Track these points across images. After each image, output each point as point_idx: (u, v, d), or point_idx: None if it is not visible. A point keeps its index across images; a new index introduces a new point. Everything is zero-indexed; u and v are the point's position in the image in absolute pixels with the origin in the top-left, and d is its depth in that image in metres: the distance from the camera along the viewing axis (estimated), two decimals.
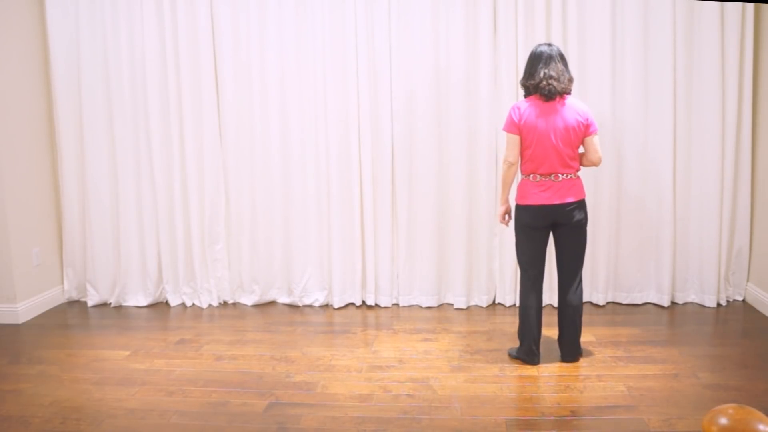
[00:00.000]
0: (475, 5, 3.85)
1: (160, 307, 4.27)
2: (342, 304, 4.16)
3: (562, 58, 2.99)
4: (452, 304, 4.12)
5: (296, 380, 3.04)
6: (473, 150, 3.97)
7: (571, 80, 2.98)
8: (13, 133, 3.95)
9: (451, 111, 3.94)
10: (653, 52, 3.81)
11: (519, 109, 2.99)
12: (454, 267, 4.07)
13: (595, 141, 3.01)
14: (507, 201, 3.17)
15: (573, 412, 2.66)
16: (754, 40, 3.81)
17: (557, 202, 2.98)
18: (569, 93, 3.00)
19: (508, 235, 3.93)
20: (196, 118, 4.08)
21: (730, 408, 1.37)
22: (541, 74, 2.93)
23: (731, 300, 4.05)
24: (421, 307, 4.12)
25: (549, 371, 3.06)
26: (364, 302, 4.19)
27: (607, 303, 4.07)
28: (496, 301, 4.14)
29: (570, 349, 3.15)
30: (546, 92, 2.93)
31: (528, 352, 3.14)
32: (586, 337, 3.41)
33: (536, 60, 2.98)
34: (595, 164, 3.04)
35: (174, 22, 4.00)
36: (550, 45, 3.01)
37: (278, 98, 4.04)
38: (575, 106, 2.99)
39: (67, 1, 4.06)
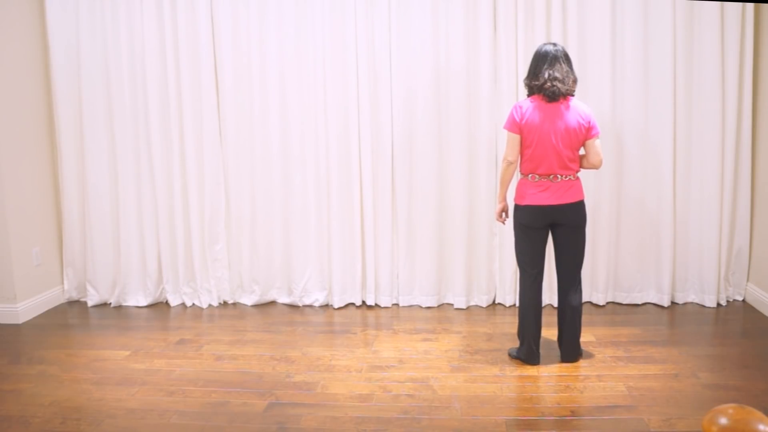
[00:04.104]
0: (475, 5, 3.85)
1: (160, 307, 4.27)
2: (342, 304, 4.16)
3: (567, 58, 2.97)
4: (452, 304, 4.12)
5: (296, 380, 3.05)
6: (473, 150, 3.97)
7: (575, 81, 2.97)
8: (14, 133, 3.96)
9: (451, 111, 3.94)
10: (653, 52, 3.81)
11: (521, 108, 2.99)
12: (454, 267, 4.07)
13: (597, 144, 3.00)
14: (504, 199, 3.17)
15: (573, 412, 2.66)
16: (754, 40, 3.81)
17: (555, 202, 2.98)
18: (573, 94, 2.99)
19: (508, 235, 3.93)
20: (196, 118, 4.08)
21: (730, 408, 1.37)
22: (546, 75, 2.92)
23: (731, 300, 4.05)
24: (421, 307, 4.12)
25: (549, 371, 3.06)
26: (364, 302, 4.19)
27: (607, 303, 4.07)
28: (496, 301, 4.14)
29: (570, 350, 3.15)
30: (549, 93, 2.92)
31: (528, 352, 3.14)
32: (586, 337, 3.41)
33: (541, 60, 2.96)
34: (595, 167, 3.03)
35: (174, 21, 4.00)
36: (555, 45, 2.99)
37: (278, 98, 4.04)
38: (578, 108, 2.98)
39: (67, 0, 4.06)
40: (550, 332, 3.41)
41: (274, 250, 4.19)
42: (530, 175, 3.01)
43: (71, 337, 3.74)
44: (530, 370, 3.08)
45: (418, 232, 4.09)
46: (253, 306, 4.23)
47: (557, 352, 3.21)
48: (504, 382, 2.97)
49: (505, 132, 3.06)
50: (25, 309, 4.02)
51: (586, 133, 2.97)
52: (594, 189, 3.89)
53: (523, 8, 3.81)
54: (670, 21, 3.76)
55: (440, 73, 3.93)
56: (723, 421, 1.35)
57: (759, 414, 1.35)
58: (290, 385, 3.00)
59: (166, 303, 4.30)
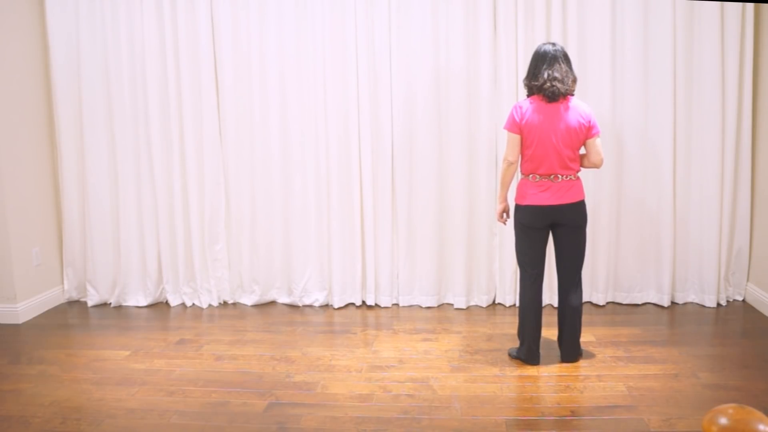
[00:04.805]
0: (475, 5, 3.85)
1: (160, 307, 4.27)
2: (342, 304, 4.16)
3: (566, 58, 2.97)
4: (452, 304, 4.12)
5: (296, 380, 3.05)
6: (473, 150, 3.97)
7: (574, 81, 2.97)
8: (13, 133, 3.96)
9: (451, 111, 3.94)
10: (653, 52, 3.81)
11: (521, 108, 2.99)
12: (454, 267, 4.07)
13: (597, 143, 3.00)
14: (505, 199, 3.17)
15: (573, 412, 2.66)
16: (754, 40, 3.81)
17: (556, 202, 2.98)
18: (573, 94, 2.98)
19: (508, 235, 3.93)
20: (196, 117, 4.09)
21: (730, 408, 1.37)
22: (545, 75, 2.92)
23: (731, 300, 4.05)
24: (421, 307, 4.12)
25: (549, 371, 3.06)
26: (364, 302, 4.19)
27: (607, 303, 4.07)
28: (496, 301, 4.14)
29: (570, 350, 3.15)
30: (549, 94, 2.92)
31: (528, 352, 3.13)
32: (586, 337, 3.41)
33: (540, 60, 2.96)
34: (596, 166, 3.03)
35: (174, 21, 4.00)
36: (554, 45, 2.99)
37: (278, 98, 4.04)
38: (578, 107, 2.97)
39: (67, 0, 4.06)
40: (550, 332, 3.41)
41: (274, 250, 4.19)
42: (531, 175, 3.01)
43: (71, 337, 3.74)
44: (530, 370, 3.08)
45: (418, 232, 4.09)
46: (253, 306, 4.23)
47: (557, 352, 3.21)
48: (504, 382, 2.97)
49: (505, 132, 3.06)
50: (25, 309, 4.02)
51: (587, 132, 2.97)
52: (594, 189, 3.89)
53: (523, 8, 3.81)
54: (670, 21, 3.76)
55: (440, 74, 3.93)
56: (723, 421, 1.35)
57: (759, 414, 1.35)
58: (290, 385, 3.00)
59: (166, 303, 4.30)
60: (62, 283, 4.41)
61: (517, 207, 3.08)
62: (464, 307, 4.08)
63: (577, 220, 3.03)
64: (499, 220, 3.23)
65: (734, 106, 3.82)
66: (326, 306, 4.19)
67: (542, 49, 2.98)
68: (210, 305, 4.24)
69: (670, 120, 3.84)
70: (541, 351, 3.19)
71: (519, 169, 3.11)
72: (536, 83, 2.95)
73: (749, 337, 3.48)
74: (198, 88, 4.05)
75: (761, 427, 1.32)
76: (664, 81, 3.81)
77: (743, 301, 4.05)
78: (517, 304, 3.56)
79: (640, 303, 4.06)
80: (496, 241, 4.05)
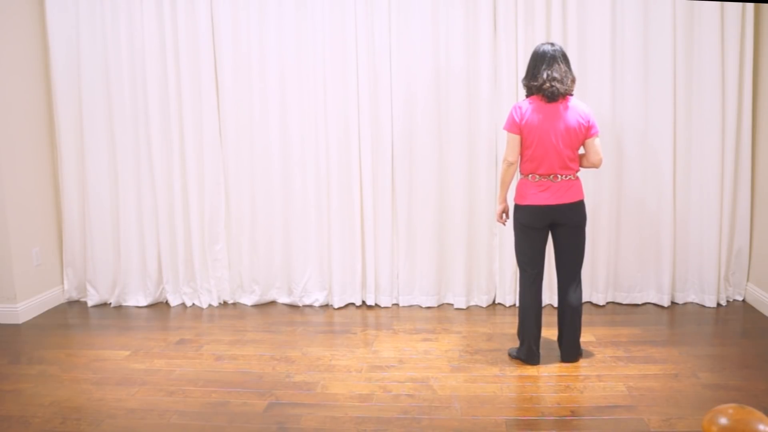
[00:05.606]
0: (475, 5, 3.85)
1: (160, 307, 4.27)
2: (342, 304, 4.16)
3: (565, 58, 2.97)
4: (452, 304, 4.12)
5: (296, 380, 3.05)
6: (473, 150, 3.98)
7: (573, 81, 2.97)
8: (13, 133, 3.96)
9: (451, 111, 3.95)
10: (653, 52, 3.81)
11: (520, 108, 2.99)
12: (454, 267, 4.07)
13: (596, 143, 3.00)
14: (505, 200, 3.17)
15: (573, 412, 2.66)
16: (754, 40, 3.81)
17: (555, 202, 2.98)
18: (572, 94, 2.99)
19: (507, 235, 3.93)
20: (196, 118, 4.09)
21: (730, 408, 1.37)
22: (544, 76, 2.92)
23: (731, 300, 4.05)
24: (421, 307, 4.12)
25: (549, 371, 3.06)
26: (364, 302, 4.19)
27: (607, 303, 4.07)
28: (496, 301, 4.14)
29: (570, 350, 3.15)
30: (549, 94, 2.92)
31: (528, 352, 3.14)
32: (586, 337, 3.41)
33: (539, 60, 2.96)
34: (595, 166, 3.03)
35: (174, 21, 4.00)
36: (553, 45, 2.99)
37: (278, 98, 4.04)
38: (577, 107, 2.98)
39: (67, 0, 4.06)
40: (550, 332, 3.41)
41: (274, 250, 4.19)
42: (530, 176, 3.01)
43: (71, 337, 3.74)
44: (530, 370, 3.08)
45: (418, 232, 4.09)
46: (253, 306, 4.23)
47: (557, 352, 3.21)
48: (504, 382, 2.97)
49: (505, 133, 3.06)
50: (25, 309, 4.02)
51: (586, 132, 2.97)
52: (594, 189, 3.89)
53: (523, 8, 3.81)
54: (670, 21, 3.76)
55: (440, 74, 3.93)
56: (723, 421, 1.35)
57: (759, 414, 1.35)
58: (290, 385, 3.00)
59: (166, 303, 4.31)
60: (62, 283, 4.41)
61: (517, 207, 3.08)
62: (464, 307, 4.08)
63: (576, 219, 3.03)
64: (498, 221, 3.23)
65: (734, 107, 3.82)
66: (326, 306, 4.19)
67: (541, 49, 2.98)
68: (210, 305, 4.24)
69: (670, 120, 3.84)
70: (541, 351, 3.19)
71: (518, 169, 3.11)
72: (535, 83, 2.95)
73: (749, 337, 3.48)
74: (198, 88, 4.05)
75: (761, 427, 1.32)
76: (664, 81, 3.81)
77: (743, 301, 4.05)
78: (517, 304, 3.56)
79: (640, 303, 4.06)
80: (496, 241, 4.05)
